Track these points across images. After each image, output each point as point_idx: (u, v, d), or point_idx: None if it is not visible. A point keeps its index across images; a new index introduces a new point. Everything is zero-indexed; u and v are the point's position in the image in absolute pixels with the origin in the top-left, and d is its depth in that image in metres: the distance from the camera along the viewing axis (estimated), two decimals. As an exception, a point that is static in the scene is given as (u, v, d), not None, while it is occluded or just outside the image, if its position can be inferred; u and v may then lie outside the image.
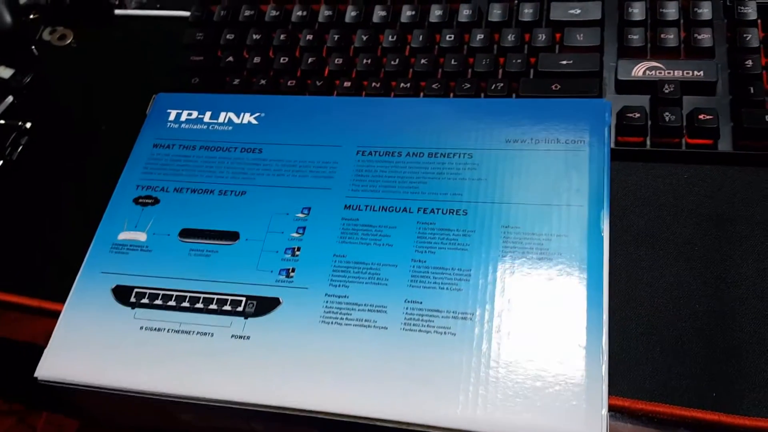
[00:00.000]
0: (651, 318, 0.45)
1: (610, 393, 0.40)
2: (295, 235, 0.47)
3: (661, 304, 0.46)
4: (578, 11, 0.56)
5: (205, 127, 0.53)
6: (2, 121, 0.62)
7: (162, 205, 0.50)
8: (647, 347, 0.44)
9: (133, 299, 0.46)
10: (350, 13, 0.61)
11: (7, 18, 0.65)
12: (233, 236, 0.47)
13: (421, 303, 0.43)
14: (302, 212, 0.47)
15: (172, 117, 0.54)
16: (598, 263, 0.42)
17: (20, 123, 0.62)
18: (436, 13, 0.59)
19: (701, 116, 0.50)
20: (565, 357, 0.40)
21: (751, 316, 0.45)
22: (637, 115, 0.51)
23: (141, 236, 0.48)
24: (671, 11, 0.55)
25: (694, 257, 0.47)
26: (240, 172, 0.50)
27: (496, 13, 0.58)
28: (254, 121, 0.53)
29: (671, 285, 0.46)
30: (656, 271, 0.47)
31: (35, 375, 0.44)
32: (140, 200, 0.50)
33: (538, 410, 0.38)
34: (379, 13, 0.60)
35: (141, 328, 0.45)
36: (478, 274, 0.43)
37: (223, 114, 0.54)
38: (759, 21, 0.54)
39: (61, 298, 0.48)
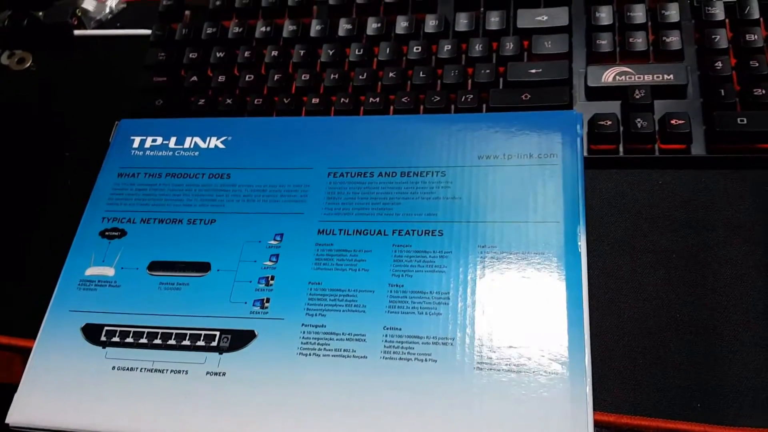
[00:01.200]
0: (632, 328, 0.45)
1: (594, 408, 0.40)
2: (268, 263, 0.46)
3: (641, 314, 0.45)
4: (545, 18, 0.56)
5: (170, 153, 0.52)
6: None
7: (129, 238, 0.48)
8: (629, 359, 0.44)
9: (103, 338, 0.45)
10: (315, 28, 0.60)
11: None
12: (204, 267, 0.46)
13: (400, 329, 0.42)
14: (275, 239, 0.46)
15: (136, 144, 0.53)
16: (576, 280, 0.42)
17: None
18: (402, 24, 0.58)
19: (673, 121, 0.49)
20: (548, 380, 0.39)
21: (731, 323, 0.44)
22: (609, 122, 0.50)
23: (109, 271, 0.47)
24: (638, 14, 0.54)
25: (672, 264, 0.47)
26: (208, 199, 0.49)
27: (462, 22, 0.57)
28: (221, 145, 0.52)
29: (651, 294, 0.46)
30: (635, 281, 0.47)
31: (6, 421, 0.43)
32: (106, 233, 0.49)
33: (523, 436, 0.38)
34: (344, 27, 0.59)
35: (113, 368, 0.43)
36: (457, 297, 0.42)
37: (188, 139, 0.52)
38: (727, 21, 0.53)
39: (31, 335, 0.46)
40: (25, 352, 0.46)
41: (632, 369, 0.44)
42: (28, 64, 0.67)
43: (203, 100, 0.58)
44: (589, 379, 0.39)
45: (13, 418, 0.43)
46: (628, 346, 0.44)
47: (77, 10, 0.68)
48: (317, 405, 0.40)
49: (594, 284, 0.46)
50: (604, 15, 0.55)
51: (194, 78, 0.59)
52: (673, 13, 0.54)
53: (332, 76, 0.56)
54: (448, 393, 0.39)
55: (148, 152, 0.52)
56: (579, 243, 0.43)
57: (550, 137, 0.47)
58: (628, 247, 0.48)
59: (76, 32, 0.68)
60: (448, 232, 0.45)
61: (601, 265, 0.47)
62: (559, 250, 0.43)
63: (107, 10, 0.69)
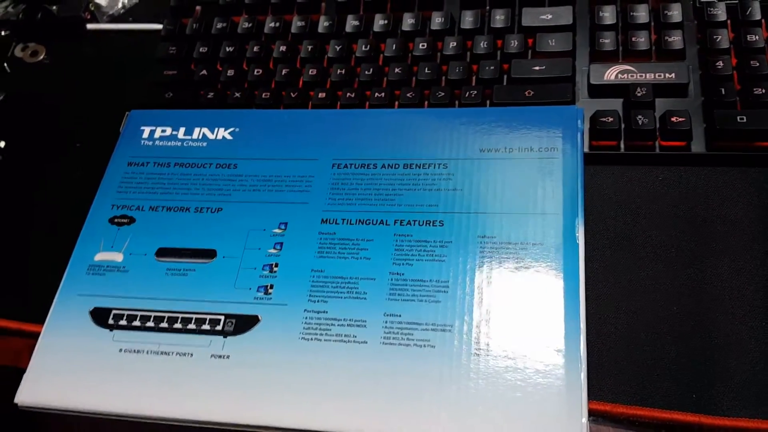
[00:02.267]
0: (629, 321, 0.46)
1: (591, 397, 0.41)
2: (272, 251, 0.47)
3: (639, 306, 0.46)
4: (549, 16, 0.56)
5: (179, 143, 0.53)
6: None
7: (138, 225, 0.49)
8: (626, 350, 0.45)
9: (111, 321, 0.46)
10: (323, 24, 0.61)
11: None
12: (210, 254, 0.47)
13: (400, 316, 0.43)
14: (279, 227, 0.47)
15: (146, 134, 0.54)
16: (574, 271, 0.43)
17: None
18: (408, 21, 0.59)
19: (674, 119, 0.50)
20: (544, 367, 0.40)
21: (728, 316, 0.45)
22: (611, 119, 0.51)
23: (117, 257, 0.48)
24: (641, 14, 0.55)
25: (670, 259, 0.48)
26: (215, 188, 0.50)
27: (468, 20, 0.58)
28: (229, 137, 0.53)
29: (648, 288, 0.47)
30: (633, 274, 0.47)
31: (15, 401, 0.44)
32: (116, 220, 0.50)
33: (518, 421, 0.39)
34: (351, 23, 0.60)
35: (120, 350, 0.44)
36: (456, 286, 0.43)
37: (197, 130, 0.53)
38: (728, 22, 0.54)
39: (41, 320, 0.47)
40: (34, 337, 0.47)
41: (628, 360, 0.44)
42: (42, 57, 0.68)
43: (212, 94, 0.59)
44: (584, 367, 0.40)
45: (21, 398, 0.44)
46: (625, 337, 0.45)
47: (90, 5, 0.70)
48: (318, 388, 0.41)
49: (592, 277, 0.47)
50: (608, 14, 0.56)
51: (204, 71, 0.60)
52: (675, 13, 0.54)
53: (339, 71, 0.57)
54: (446, 378, 0.40)
55: (157, 142, 0.53)
56: (577, 235, 0.44)
57: (551, 132, 0.48)
58: (627, 241, 0.49)
59: (89, 26, 0.69)
60: (449, 223, 0.45)
61: (600, 259, 0.48)
62: (557, 242, 0.43)
63: (120, 5, 0.70)
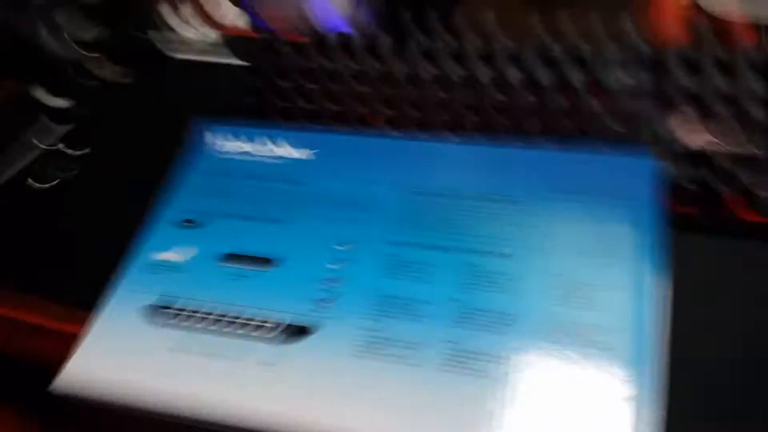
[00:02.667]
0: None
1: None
2: (333, 266, 0.46)
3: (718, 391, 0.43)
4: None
5: (252, 157, 0.53)
6: (61, 146, 0.65)
7: (202, 229, 0.49)
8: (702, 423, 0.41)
9: (163, 319, 0.45)
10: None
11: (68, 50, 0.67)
12: (271, 263, 0.46)
13: (458, 344, 0.41)
14: (343, 244, 0.47)
15: (218, 146, 0.55)
16: (647, 321, 0.40)
17: (75, 150, 0.64)
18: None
19: (759, 192, 0.48)
20: (608, 415, 0.37)
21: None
22: (691, 184, 0.50)
23: (178, 257, 0.48)
24: (728, 83, 0.54)
25: (748, 340, 0.44)
26: (284, 202, 0.50)
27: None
28: (304, 156, 0.53)
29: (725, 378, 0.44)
30: (708, 354, 0.44)
31: (53, 386, 0.43)
32: (180, 223, 0.50)
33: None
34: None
35: (168, 348, 0.43)
36: (523, 319, 0.41)
37: (271, 146, 0.54)
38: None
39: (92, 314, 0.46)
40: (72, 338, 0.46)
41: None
42: (125, 80, 0.70)
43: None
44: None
45: (60, 384, 0.43)
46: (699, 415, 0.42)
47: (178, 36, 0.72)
48: (366, 405, 0.39)
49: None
50: (693, 80, 0.55)
51: (284, 104, 0.61)
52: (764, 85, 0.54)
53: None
54: (505, 411, 0.38)
55: (229, 155, 0.54)
56: (652, 286, 0.42)
57: (629, 181, 0.46)
58: (700, 316, 0.45)
59: (175, 55, 0.71)
60: (520, 257, 0.44)
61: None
62: (630, 290, 0.42)
63: (204, 39, 0.72)
